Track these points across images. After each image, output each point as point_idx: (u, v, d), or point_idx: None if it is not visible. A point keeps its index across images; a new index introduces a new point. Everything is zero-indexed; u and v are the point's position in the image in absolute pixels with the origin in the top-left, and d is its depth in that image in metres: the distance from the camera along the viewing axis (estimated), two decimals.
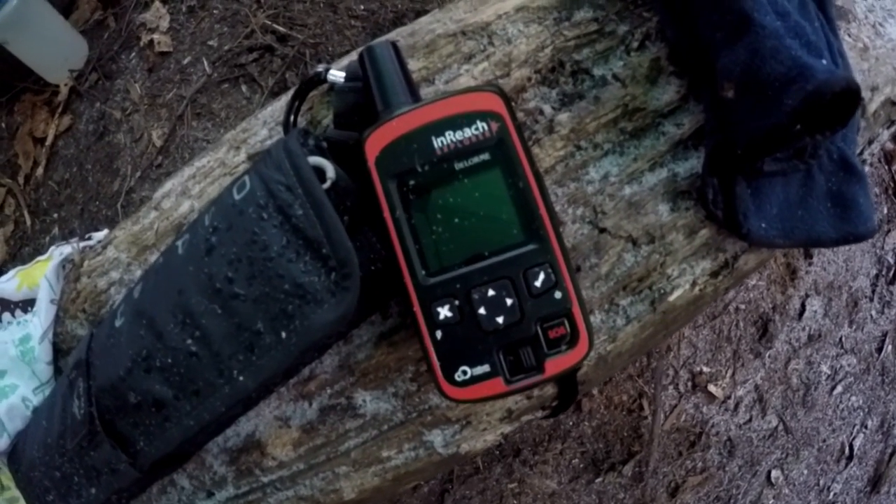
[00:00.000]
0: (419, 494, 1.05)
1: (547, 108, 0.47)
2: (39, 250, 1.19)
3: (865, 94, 0.50)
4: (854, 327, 1.13)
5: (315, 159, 0.38)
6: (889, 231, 1.17)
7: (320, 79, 0.46)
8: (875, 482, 1.10)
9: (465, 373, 0.35)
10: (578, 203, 0.45)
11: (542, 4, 0.49)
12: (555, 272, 0.35)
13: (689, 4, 0.44)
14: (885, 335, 1.14)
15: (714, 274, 0.46)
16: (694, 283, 0.46)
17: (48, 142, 1.22)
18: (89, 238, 0.63)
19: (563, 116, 0.46)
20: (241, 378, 0.37)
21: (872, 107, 0.50)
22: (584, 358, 0.35)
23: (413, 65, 0.48)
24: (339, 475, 0.47)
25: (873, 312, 1.14)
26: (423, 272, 0.35)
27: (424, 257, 0.36)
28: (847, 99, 0.37)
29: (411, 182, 0.36)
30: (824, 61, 0.42)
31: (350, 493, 0.47)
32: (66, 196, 1.21)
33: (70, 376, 0.46)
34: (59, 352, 0.56)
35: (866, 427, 1.11)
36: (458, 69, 0.48)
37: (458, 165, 0.35)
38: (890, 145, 1.19)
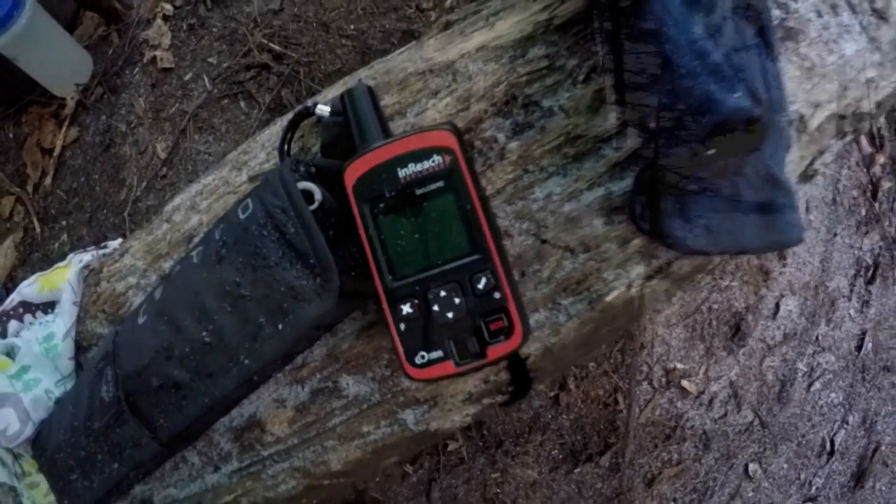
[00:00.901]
0: (408, 483, 1.08)
1: (501, 137, 0.53)
2: (49, 256, 1.22)
3: (807, 110, 0.53)
4: (832, 326, 1.12)
5: (305, 184, 0.46)
6: (867, 232, 1.15)
7: (309, 112, 0.54)
8: (859, 477, 1.08)
9: (422, 357, 0.43)
10: (524, 218, 0.52)
11: (499, 44, 0.55)
12: (494, 277, 0.42)
13: (622, 46, 0.51)
14: (864, 333, 1.12)
15: (649, 277, 0.52)
16: (630, 286, 0.51)
17: (56, 152, 1.24)
18: (105, 246, 0.70)
19: (513, 144, 0.52)
20: (246, 362, 0.45)
21: (815, 122, 0.53)
22: (519, 345, 0.42)
23: (388, 100, 0.55)
24: (328, 448, 0.54)
25: (852, 311, 1.13)
26: (390, 277, 0.44)
27: (391, 265, 0.44)
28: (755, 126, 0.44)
29: (381, 205, 0.44)
30: (737, 94, 0.48)
31: (336, 464, 0.54)
32: (74, 204, 1.23)
33: (98, 366, 0.53)
34: (79, 348, 0.62)
35: (847, 423, 1.10)
36: (426, 103, 0.55)
37: (419, 191, 0.43)
38: (869, 149, 1.18)
